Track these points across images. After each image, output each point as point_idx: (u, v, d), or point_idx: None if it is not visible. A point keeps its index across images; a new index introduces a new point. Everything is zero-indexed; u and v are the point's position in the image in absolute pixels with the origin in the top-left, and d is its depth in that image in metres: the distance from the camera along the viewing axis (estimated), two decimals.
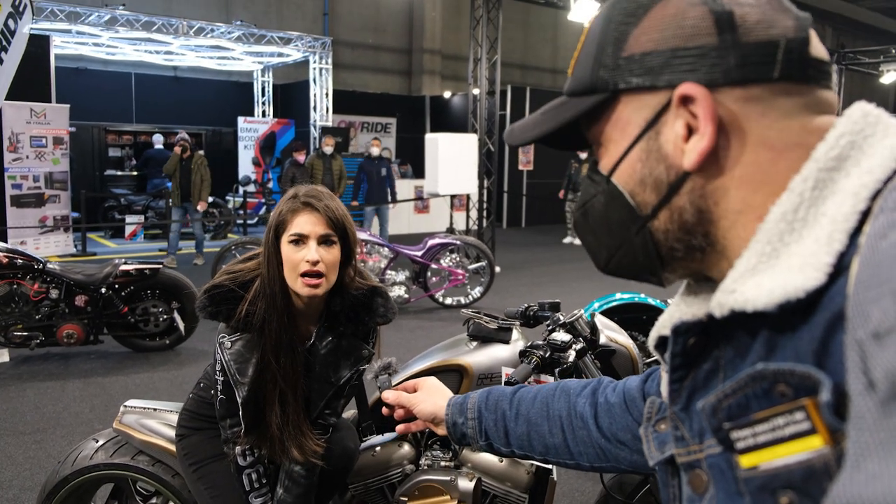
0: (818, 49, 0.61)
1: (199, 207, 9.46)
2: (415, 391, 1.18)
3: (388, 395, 1.19)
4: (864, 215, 0.51)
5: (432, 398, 1.14)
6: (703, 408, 0.59)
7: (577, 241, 12.33)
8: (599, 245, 0.70)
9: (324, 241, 1.67)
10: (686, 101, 0.60)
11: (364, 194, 10.30)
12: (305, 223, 1.66)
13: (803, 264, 0.52)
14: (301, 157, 9.73)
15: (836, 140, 0.56)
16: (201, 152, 9.89)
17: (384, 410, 1.22)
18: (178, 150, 9.31)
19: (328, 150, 10.01)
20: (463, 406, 1.09)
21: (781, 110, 0.59)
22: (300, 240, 1.66)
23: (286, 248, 1.67)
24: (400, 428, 1.18)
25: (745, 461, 0.54)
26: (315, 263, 1.64)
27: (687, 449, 0.64)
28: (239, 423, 1.73)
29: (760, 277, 0.55)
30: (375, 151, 10.27)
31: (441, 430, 1.11)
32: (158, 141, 12.88)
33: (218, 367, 1.73)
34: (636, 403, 0.92)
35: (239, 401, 1.71)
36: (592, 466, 0.97)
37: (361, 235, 6.87)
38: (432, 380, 1.19)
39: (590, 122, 0.68)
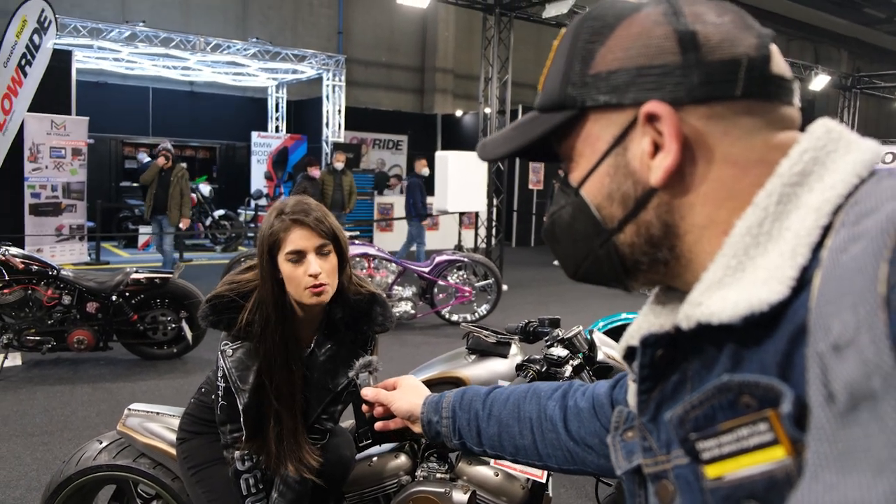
0: (780, 66, 0.62)
1: (181, 225, 8.96)
2: (394, 389, 1.19)
3: (367, 393, 1.20)
4: (826, 230, 0.53)
5: (409, 396, 1.15)
6: (671, 419, 0.60)
7: (556, 262, 12.23)
8: (566, 255, 0.72)
9: (320, 251, 1.71)
10: (651, 118, 0.61)
11: (415, 209, 10.49)
12: (299, 239, 1.69)
13: (768, 278, 0.53)
14: (316, 173, 9.84)
15: (799, 156, 0.57)
16: (183, 164, 9.29)
17: (364, 408, 1.24)
18: (161, 160, 8.85)
19: (339, 165, 10.14)
20: (438, 405, 1.10)
21: (744, 128, 0.60)
22: (298, 256, 1.69)
23: (286, 266, 1.70)
24: (378, 425, 1.20)
25: (711, 471, 0.55)
26: (317, 275, 1.68)
27: (654, 459, 0.65)
28: (239, 428, 1.78)
29: (726, 291, 0.55)
30: (426, 171, 10.60)
31: (417, 428, 1.12)
32: (144, 157, 13.11)
33: (220, 374, 1.77)
34: (604, 409, 0.93)
35: (240, 407, 1.75)
36: (561, 468, 0.99)
37: (369, 250, 6.94)
38: (411, 378, 1.21)
39: (560, 137, 0.69)
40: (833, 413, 0.43)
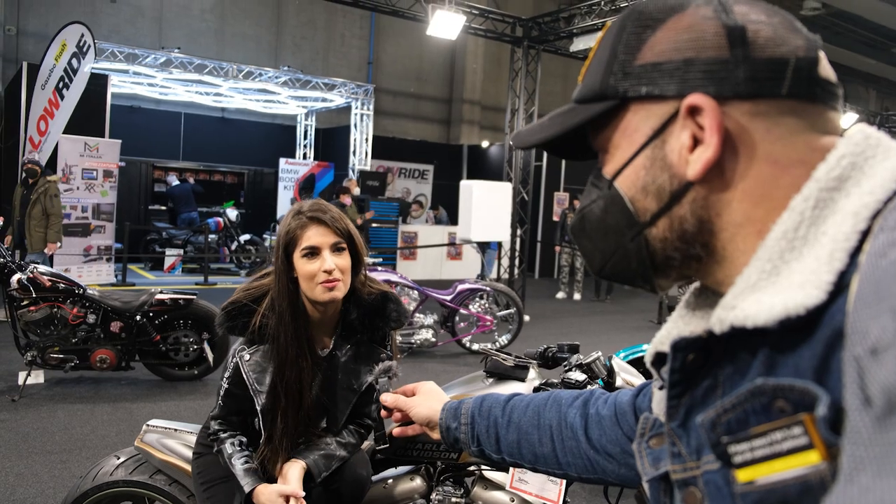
0: (827, 70, 0.61)
1: (47, 250, 7.39)
2: (413, 395, 1.18)
3: (387, 398, 1.19)
4: (865, 235, 0.52)
5: (428, 402, 1.13)
6: (703, 422, 0.59)
7: (576, 296, 12.11)
8: (595, 249, 0.71)
9: (335, 248, 1.76)
10: (693, 111, 0.60)
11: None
12: (315, 235, 1.74)
13: (804, 282, 0.53)
14: (347, 201, 10.05)
15: (837, 161, 0.57)
16: (54, 177, 7.67)
17: (382, 413, 1.23)
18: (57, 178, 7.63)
19: (356, 191, 10.54)
20: (457, 411, 1.08)
21: (787, 127, 0.60)
22: (313, 252, 1.74)
23: (300, 262, 1.75)
24: (396, 431, 1.19)
25: (743, 476, 0.54)
26: (331, 272, 1.72)
27: (683, 465, 0.64)
28: (224, 427, 1.84)
29: (761, 294, 0.55)
30: None
31: (435, 434, 1.11)
32: (173, 179, 13.42)
33: (228, 374, 1.82)
34: (626, 418, 0.92)
35: (258, 409, 1.79)
36: (580, 477, 0.97)
37: (392, 277, 6.95)
38: (430, 384, 1.20)
39: (597, 129, 0.69)
40: (870, 417, 0.42)
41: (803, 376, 0.51)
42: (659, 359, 0.70)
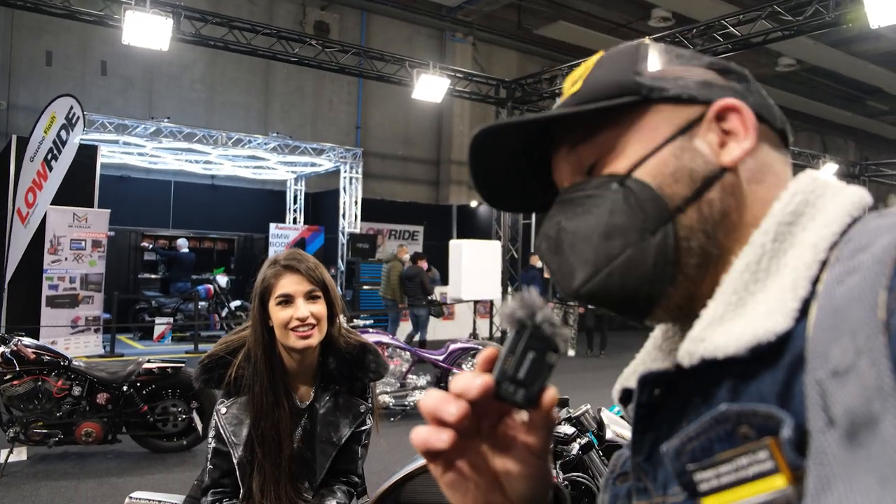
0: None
1: None
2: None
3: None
4: (822, 266, 0.54)
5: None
6: (667, 451, 0.57)
7: (570, 352, 11.94)
8: (578, 262, 0.64)
9: (309, 296, 1.76)
10: (722, 116, 0.63)
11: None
12: (289, 283, 1.76)
13: (770, 310, 0.54)
14: (424, 265, 10.63)
15: (790, 197, 0.60)
16: None
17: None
18: None
19: (406, 257, 11.03)
20: None
21: (774, 156, 0.65)
22: (287, 300, 1.75)
23: (275, 310, 1.75)
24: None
25: None
26: (304, 319, 1.72)
27: (649, 501, 0.62)
28: (219, 499, 1.76)
29: (729, 325, 0.56)
30: (539, 264, 11.69)
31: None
32: (184, 245, 13.39)
33: (212, 434, 1.79)
34: None
35: (234, 462, 1.74)
36: None
37: (383, 339, 6.88)
38: None
39: (593, 129, 0.66)
40: (834, 437, 0.43)
41: (767, 402, 0.52)
42: (626, 395, 0.70)
